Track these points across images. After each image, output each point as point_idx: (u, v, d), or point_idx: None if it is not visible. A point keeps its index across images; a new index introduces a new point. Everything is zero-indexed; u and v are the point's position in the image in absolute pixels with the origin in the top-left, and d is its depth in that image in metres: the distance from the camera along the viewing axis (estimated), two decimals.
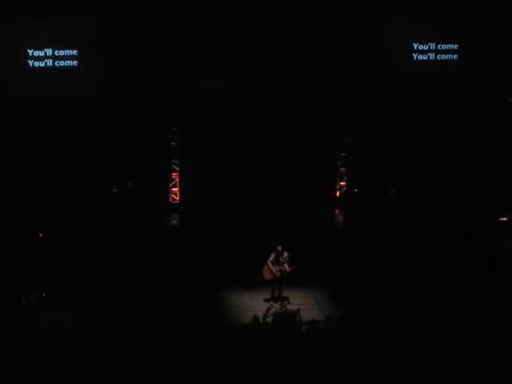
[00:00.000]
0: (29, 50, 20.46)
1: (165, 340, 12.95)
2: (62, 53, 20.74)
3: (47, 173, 20.40)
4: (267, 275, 16.15)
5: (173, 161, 22.53)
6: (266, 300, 16.09)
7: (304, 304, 15.77)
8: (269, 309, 15.16)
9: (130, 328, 13.63)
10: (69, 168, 20.70)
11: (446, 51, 23.09)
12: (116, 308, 15.01)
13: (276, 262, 16.04)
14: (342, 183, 23.64)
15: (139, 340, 12.89)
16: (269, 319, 14.54)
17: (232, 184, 21.28)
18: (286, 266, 15.99)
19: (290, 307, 15.31)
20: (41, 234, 18.32)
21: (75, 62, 20.94)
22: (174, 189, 22.74)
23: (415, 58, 22.98)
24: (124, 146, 21.47)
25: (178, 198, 22.78)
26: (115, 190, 21.88)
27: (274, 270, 16.01)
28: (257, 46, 21.45)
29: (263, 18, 21.13)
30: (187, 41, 21.15)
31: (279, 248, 16.07)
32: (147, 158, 21.67)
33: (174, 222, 21.82)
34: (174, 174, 22.67)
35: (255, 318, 13.61)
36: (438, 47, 23.01)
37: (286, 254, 16.05)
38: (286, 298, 16.08)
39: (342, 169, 23.60)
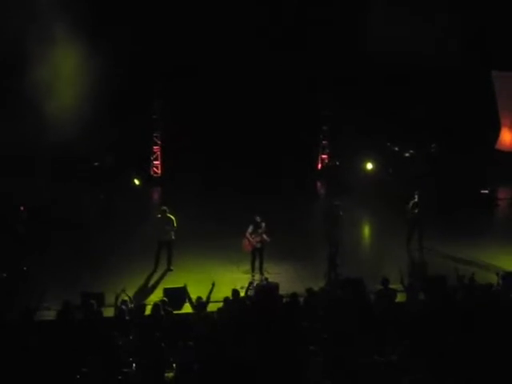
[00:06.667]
0: None
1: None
2: None
3: None
4: (247, 247, 16.13)
5: (154, 134, 22.42)
6: (247, 271, 16.12)
7: (285, 276, 15.82)
8: (251, 282, 15.13)
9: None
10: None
11: None
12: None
13: (255, 233, 16.04)
14: (323, 156, 23.63)
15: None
16: (251, 292, 14.51)
17: (214, 156, 21.20)
18: (265, 236, 16.01)
19: (271, 280, 15.29)
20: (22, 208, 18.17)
21: None
22: (155, 162, 22.67)
23: None
24: (105, 119, 21.19)
25: (159, 171, 22.72)
26: (96, 164, 21.76)
27: (253, 242, 15.99)
28: None
29: None
30: None
31: (257, 219, 16.07)
32: (128, 131, 21.43)
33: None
34: (156, 148, 22.58)
35: (236, 291, 13.55)
36: None
37: (263, 224, 16.06)
38: (267, 269, 16.11)
39: (323, 142, 23.59)
